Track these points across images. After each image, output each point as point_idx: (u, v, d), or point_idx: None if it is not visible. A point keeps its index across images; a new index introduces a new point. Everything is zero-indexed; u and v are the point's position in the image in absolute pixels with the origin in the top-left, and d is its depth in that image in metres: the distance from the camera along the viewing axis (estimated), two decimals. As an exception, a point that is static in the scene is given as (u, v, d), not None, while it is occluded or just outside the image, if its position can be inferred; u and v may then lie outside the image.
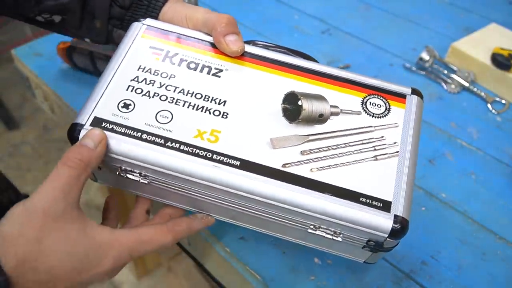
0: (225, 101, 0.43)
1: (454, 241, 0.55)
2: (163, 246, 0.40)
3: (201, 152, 0.40)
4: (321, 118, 0.43)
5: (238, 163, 0.40)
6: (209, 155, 0.40)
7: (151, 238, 0.39)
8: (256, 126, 0.42)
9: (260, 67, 0.46)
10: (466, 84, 0.77)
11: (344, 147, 0.42)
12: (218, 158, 0.40)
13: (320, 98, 0.44)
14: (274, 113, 0.43)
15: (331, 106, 0.44)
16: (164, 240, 0.40)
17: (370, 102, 0.45)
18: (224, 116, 0.42)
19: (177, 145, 0.40)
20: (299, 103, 0.43)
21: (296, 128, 0.42)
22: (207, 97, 0.43)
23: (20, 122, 2.07)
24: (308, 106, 0.43)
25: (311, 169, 0.40)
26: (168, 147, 0.40)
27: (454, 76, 0.78)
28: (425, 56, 0.80)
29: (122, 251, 0.38)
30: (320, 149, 0.41)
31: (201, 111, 0.42)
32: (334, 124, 0.43)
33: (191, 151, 0.40)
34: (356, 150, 0.42)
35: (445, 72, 0.79)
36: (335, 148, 0.42)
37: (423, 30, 0.91)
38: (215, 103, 0.43)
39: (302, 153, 0.41)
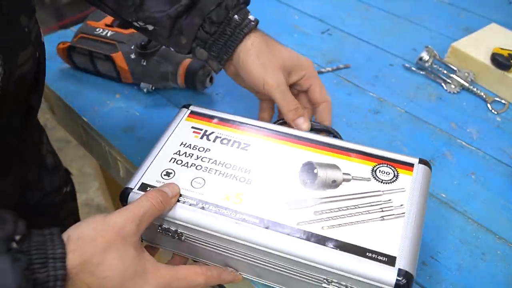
0: (250, 170, 0.50)
1: (454, 241, 0.55)
2: (195, 286, 0.44)
3: (227, 212, 0.46)
4: (333, 184, 0.48)
5: (257, 220, 0.45)
6: (233, 214, 0.46)
7: (186, 276, 0.44)
8: (275, 191, 0.48)
9: (282, 142, 0.53)
10: (466, 84, 0.77)
11: (353, 208, 0.46)
12: (240, 217, 0.46)
13: (333, 167, 0.50)
14: (292, 179, 0.49)
15: (344, 174, 0.49)
16: (196, 280, 0.44)
17: (380, 170, 0.49)
18: (248, 182, 0.49)
19: (207, 206, 0.47)
20: (315, 171, 0.49)
21: (311, 192, 0.48)
22: (235, 166, 0.50)
23: (20, 122, 2.07)
24: (322, 173, 0.49)
25: (322, 227, 0.45)
26: (198, 207, 0.47)
27: (454, 76, 0.78)
28: (425, 56, 0.80)
29: (160, 282, 0.42)
30: (331, 210, 0.46)
31: (229, 178, 0.49)
32: (346, 189, 0.48)
33: (218, 210, 0.46)
34: (365, 211, 0.46)
35: (445, 72, 0.79)
36: (345, 209, 0.46)
37: (423, 30, 0.91)
38: (241, 171, 0.50)
39: (315, 213, 0.46)
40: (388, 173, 0.49)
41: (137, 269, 0.41)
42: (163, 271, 0.42)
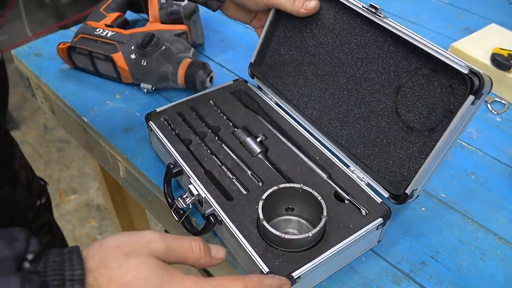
0: None
1: (454, 241, 0.55)
2: None
3: None
4: None
5: None
6: None
7: (221, 283, 0.38)
8: None
9: None
10: (466, 84, 0.77)
11: None
12: None
13: None
14: None
15: None
16: (235, 285, 0.38)
17: None
18: None
19: None
20: None
21: None
22: None
23: (20, 122, 2.07)
24: None
25: None
26: None
27: (454, 76, 0.78)
28: (425, 56, 0.79)
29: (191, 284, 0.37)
30: None
31: None
32: None
33: None
34: None
35: (445, 72, 0.79)
36: None
37: (423, 30, 0.91)
38: None
39: None
40: None
41: (164, 276, 0.36)
42: (195, 279, 0.38)
